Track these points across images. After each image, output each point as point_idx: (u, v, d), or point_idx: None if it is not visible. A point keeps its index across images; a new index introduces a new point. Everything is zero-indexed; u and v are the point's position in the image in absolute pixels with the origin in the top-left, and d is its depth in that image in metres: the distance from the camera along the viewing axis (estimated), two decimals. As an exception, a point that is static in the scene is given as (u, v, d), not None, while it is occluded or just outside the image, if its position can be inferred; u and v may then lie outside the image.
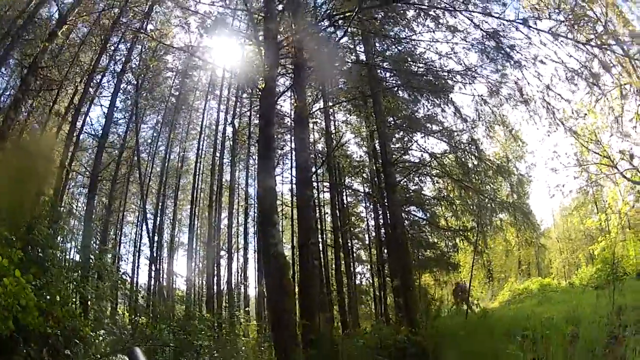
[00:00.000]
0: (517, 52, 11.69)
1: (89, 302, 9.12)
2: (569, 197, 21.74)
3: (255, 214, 17.29)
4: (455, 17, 11.73)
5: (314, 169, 13.95)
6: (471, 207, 14.90)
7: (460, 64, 12.43)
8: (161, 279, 18.56)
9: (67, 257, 9.94)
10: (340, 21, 11.33)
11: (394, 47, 14.10)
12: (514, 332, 8.27)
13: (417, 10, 12.15)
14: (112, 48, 16.43)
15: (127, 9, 14.92)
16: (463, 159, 14.40)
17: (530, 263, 30.03)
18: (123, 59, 16.72)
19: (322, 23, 11.65)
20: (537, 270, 29.02)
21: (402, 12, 12.53)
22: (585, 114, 15.23)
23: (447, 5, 11.34)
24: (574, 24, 11.55)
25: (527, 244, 20.75)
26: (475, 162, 14.42)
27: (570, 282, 21.29)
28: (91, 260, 9.05)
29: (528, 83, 12.34)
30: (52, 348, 5.38)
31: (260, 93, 8.71)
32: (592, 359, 5.14)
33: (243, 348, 10.25)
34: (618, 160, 17.70)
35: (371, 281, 18.67)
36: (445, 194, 15.58)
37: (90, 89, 16.04)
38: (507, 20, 11.21)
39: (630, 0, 14.17)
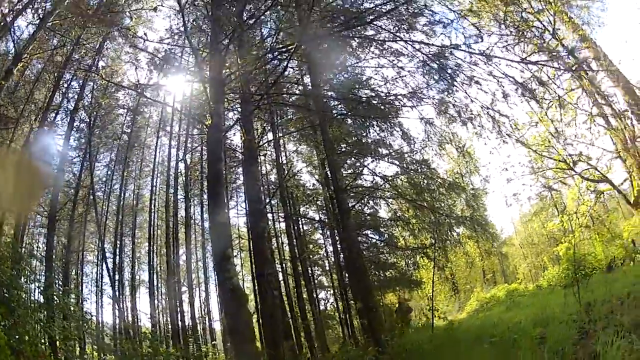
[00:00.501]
0: (461, 72, 12.00)
1: (57, 342, 8.87)
2: (526, 205, 22.26)
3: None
4: (398, 43, 12.01)
5: (267, 200, 13.97)
6: (428, 225, 15.09)
7: (407, 88, 12.73)
8: (125, 317, 18.16)
9: (32, 297, 9.75)
10: (285, 54, 11.41)
11: (340, 75, 14.33)
12: (481, 339, 8.38)
13: (362, 39, 12.37)
14: (65, 85, 16.30)
15: (79, 45, 14.80)
16: (415, 179, 14.64)
17: (495, 271, 30.59)
18: (76, 97, 16.56)
19: (268, 56, 11.69)
20: (503, 277, 29.56)
21: (346, 41, 12.70)
22: (537, 123, 15.71)
23: (390, 33, 11.60)
24: (520, 37, 11.94)
25: (487, 254, 21.18)
26: (427, 181, 14.66)
27: (538, 285, 21.67)
28: (55, 301, 8.87)
29: (472, 101, 12.63)
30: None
31: (207, 129, 8.69)
32: (563, 358, 5.17)
33: None
34: (574, 163, 18.26)
35: (336, 305, 18.68)
36: (401, 214, 15.80)
37: (45, 127, 15.82)
38: (444, 46, 11.51)
39: (579, 7, 14.84)
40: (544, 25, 13.53)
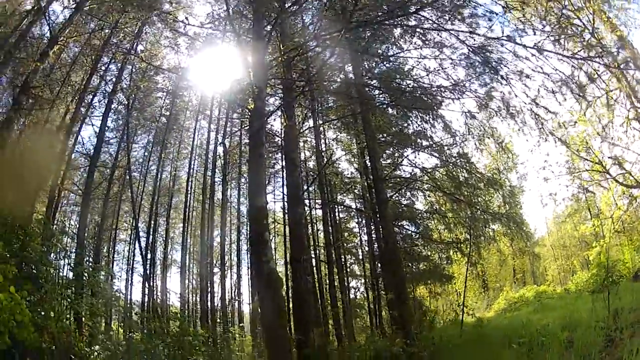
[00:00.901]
0: (504, 66, 11.84)
1: (82, 319, 9.13)
2: (561, 205, 21.93)
3: (247, 232, 17.31)
4: (441, 35, 11.91)
5: (305, 187, 14.04)
6: (463, 220, 14.98)
7: (449, 80, 12.60)
8: (155, 296, 18.53)
9: (61, 274, 10.00)
10: (328, 41, 11.41)
11: (382, 64, 14.27)
12: (510, 340, 8.36)
13: (404, 29, 12.28)
14: (103, 68, 16.56)
15: (118, 29, 14.97)
16: (454, 173, 14.51)
17: (525, 271, 30.23)
18: (114, 79, 16.83)
19: (310, 43, 11.71)
20: (533, 278, 29.22)
21: (389, 30, 12.63)
22: (575, 122, 15.43)
23: (434, 23, 11.48)
24: (561, 34, 11.73)
25: (520, 253, 20.93)
26: (466, 175, 14.53)
27: (566, 288, 21.39)
28: (84, 277, 9.06)
29: (515, 96, 12.45)
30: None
31: (249, 113, 8.77)
32: None
33: None
34: (610, 166, 17.91)
35: (366, 295, 18.72)
36: (437, 207, 15.70)
37: (82, 109, 16.20)
38: (490, 38, 11.35)
39: (617, 8, 14.47)
40: (583, 24, 13.27)
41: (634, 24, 14.49)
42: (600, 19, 14.15)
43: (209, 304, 17.78)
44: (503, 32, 11.47)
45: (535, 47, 11.20)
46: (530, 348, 7.20)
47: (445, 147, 14.27)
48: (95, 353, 6.98)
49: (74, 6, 12.61)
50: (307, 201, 16.30)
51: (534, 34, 11.51)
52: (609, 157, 17.57)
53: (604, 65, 12.31)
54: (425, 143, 14.25)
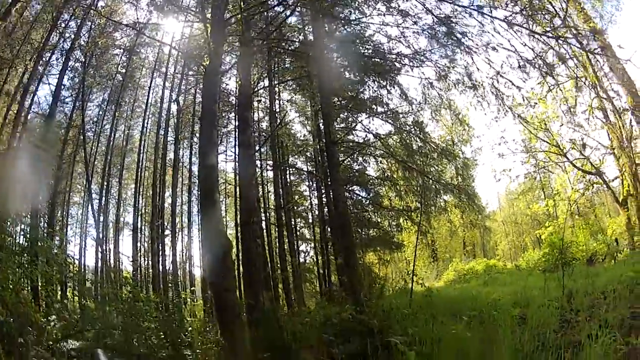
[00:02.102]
0: (469, 38, 11.85)
1: (39, 287, 8.88)
2: (515, 182, 22.47)
3: (198, 193, 17.13)
4: (407, 1, 11.83)
5: (257, 147, 13.89)
6: (415, 188, 15.16)
7: (409, 48, 12.56)
8: (108, 261, 18.23)
9: (16, 241, 9.67)
10: (289, 1, 11.18)
11: (342, 28, 14.11)
12: (460, 312, 8.48)
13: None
14: (63, 25, 15.91)
15: None
16: (408, 141, 14.61)
17: (476, 244, 31.01)
18: (72, 37, 16.24)
19: (272, 1, 11.48)
20: (483, 252, 30.01)
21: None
22: (536, 103, 15.69)
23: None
24: (531, 15, 11.77)
25: (471, 225, 21.40)
26: (420, 144, 14.65)
27: (516, 265, 21.99)
28: (39, 244, 8.80)
29: (478, 69, 12.53)
30: (5, 336, 5.18)
31: (204, 71, 8.57)
32: (544, 343, 5.13)
33: (190, 328, 10.18)
34: (568, 149, 18.38)
35: (315, 259, 18.79)
36: (389, 174, 15.82)
37: (40, 68, 15.57)
38: (460, 6, 11.32)
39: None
40: (555, 10, 13.38)
41: (609, 18, 14.78)
42: (574, 8, 14.30)
43: (160, 267, 17.56)
44: (473, 3, 11.55)
45: (506, 20, 11.21)
46: (481, 321, 7.27)
47: (401, 115, 14.32)
48: (52, 324, 6.77)
49: None
50: (258, 162, 16.19)
51: (504, 9, 11.56)
52: (568, 140, 18.05)
53: (577, 46, 12.45)
54: (380, 109, 14.24)
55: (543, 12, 12.20)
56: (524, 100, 13.35)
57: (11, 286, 5.83)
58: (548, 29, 11.87)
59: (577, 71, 14.98)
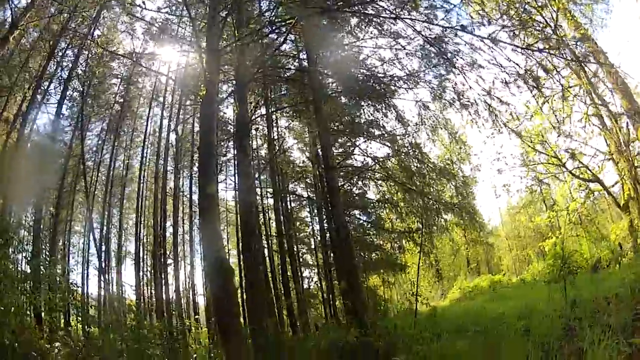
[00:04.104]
0: (460, 57, 11.91)
1: (42, 314, 8.93)
2: (516, 196, 22.37)
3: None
4: (397, 25, 11.92)
5: (257, 175, 13.92)
6: (415, 209, 15.13)
7: (403, 70, 12.65)
8: (110, 289, 18.16)
9: (18, 268, 9.67)
10: (283, 28, 11.30)
11: (337, 53, 14.22)
12: (465, 328, 8.44)
13: (361, 18, 12.26)
14: (60, 54, 16.16)
15: (76, 14, 14.60)
16: (406, 162, 14.62)
17: (480, 261, 30.82)
18: (70, 65, 16.46)
19: (265, 30, 11.59)
20: (487, 268, 29.82)
21: (345, 19, 12.58)
22: (532, 116, 15.71)
23: (391, 14, 11.46)
24: (521, 28, 11.85)
25: (474, 242, 21.31)
26: (418, 165, 14.65)
27: (521, 278, 21.85)
28: (41, 271, 8.82)
29: (470, 87, 12.55)
30: (9, 360, 5.21)
31: (201, 100, 8.63)
32: (548, 352, 5.13)
33: (195, 355, 10.18)
34: (566, 159, 18.34)
35: (319, 284, 18.72)
36: (389, 196, 15.81)
37: (38, 96, 15.70)
38: (444, 27, 11.38)
39: (583, 5, 14.73)
40: (545, 21, 13.47)
41: (600, 23, 14.86)
42: (563, 17, 14.40)
43: (163, 295, 17.50)
44: (461, 24, 11.61)
45: (490, 37, 11.23)
46: (485, 336, 7.25)
47: (398, 137, 14.37)
48: (56, 350, 6.77)
49: None
50: (258, 190, 16.22)
51: (492, 26, 11.60)
52: (565, 151, 18.01)
53: (561, 58, 12.49)
54: (377, 132, 14.29)
55: (532, 25, 12.31)
56: (513, 116, 13.31)
57: (15, 312, 5.82)
58: (539, 39, 11.94)
59: (570, 80, 15.07)
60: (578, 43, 13.26)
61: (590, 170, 17.58)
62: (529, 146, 18.41)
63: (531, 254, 27.98)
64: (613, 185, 17.68)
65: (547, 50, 11.57)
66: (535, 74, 12.34)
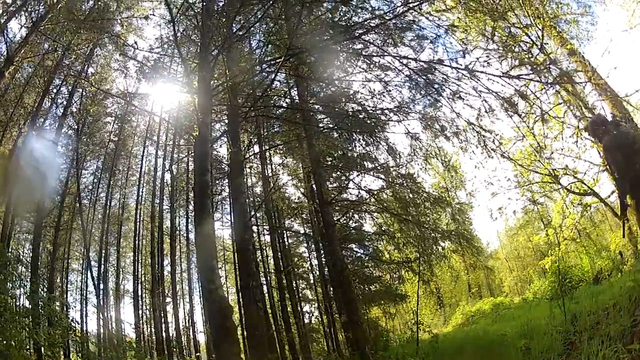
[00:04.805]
0: (447, 87, 12.05)
1: (42, 349, 8.91)
2: (512, 218, 22.36)
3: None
4: (385, 58, 12.06)
5: (252, 213, 13.95)
6: (412, 239, 15.12)
7: (393, 101, 12.77)
8: (110, 327, 18.04)
9: (17, 303, 9.65)
10: (273, 66, 11.45)
11: (327, 89, 14.37)
12: (466, 351, 8.43)
13: (350, 53, 12.43)
14: (55, 91, 16.34)
15: (70, 51, 14.82)
16: (400, 194, 14.67)
17: (481, 285, 30.72)
18: (64, 102, 16.68)
19: (256, 68, 11.74)
20: (489, 291, 29.70)
21: (334, 55, 12.74)
22: (523, 137, 15.81)
23: (378, 48, 11.65)
24: (506, 52, 12.02)
25: (473, 267, 21.28)
26: (412, 195, 14.69)
27: (524, 298, 21.73)
28: (41, 307, 8.81)
29: (458, 115, 12.65)
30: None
31: (194, 140, 8.71)
32: None
33: None
34: (561, 176, 18.40)
35: (320, 319, 18.62)
36: (386, 228, 15.83)
37: (33, 132, 15.79)
38: (424, 62, 11.56)
39: (568, 21, 14.93)
40: (532, 40, 13.66)
41: (586, 36, 15.06)
42: (549, 35, 14.61)
43: (163, 334, 17.39)
44: (447, 53, 11.80)
45: (467, 68, 11.40)
46: (486, 358, 7.26)
47: (391, 169, 14.42)
48: None
49: (30, 25, 12.45)
50: (255, 227, 16.19)
51: (477, 53, 11.74)
52: (560, 168, 18.08)
53: (538, 81, 12.62)
54: (370, 165, 14.38)
55: (517, 47, 12.47)
56: (501, 141, 13.38)
57: (16, 346, 5.84)
58: (525, 63, 12.09)
59: (560, 95, 15.20)
60: (557, 64, 13.38)
61: (585, 184, 17.63)
62: (522, 167, 18.50)
63: (532, 273, 27.90)
64: (609, 196, 17.69)
65: (522, 77, 11.72)
66: (514, 101, 12.45)
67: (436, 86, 12.16)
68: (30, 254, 16.23)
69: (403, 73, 12.37)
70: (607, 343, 4.63)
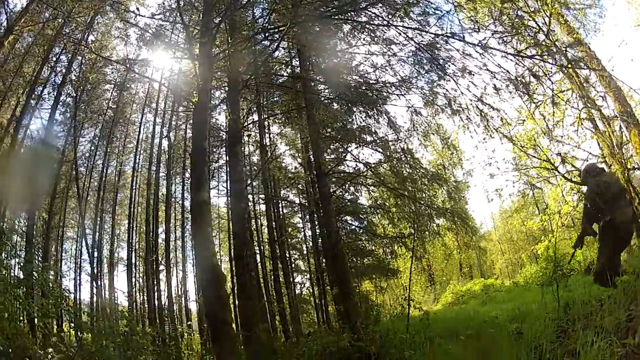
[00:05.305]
0: (452, 64, 11.95)
1: (35, 320, 8.85)
2: (508, 201, 22.48)
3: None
4: (390, 32, 11.94)
5: (249, 181, 13.92)
6: (407, 214, 15.16)
7: (396, 76, 12.67)
8: (103, 295, 18.13)
9: (11, 273, 9.66)
10: (276, 35, 11.33)
11: (329, 60, 14.24)
12: (457, 332, 8.48)
13: (353, 25, 12.29)
14: (54, 59, 16.18)
15: (71, 19, 14.65)
16: (398, 168, 14.65)
17: (472, 265, 30.94)
18: (63, 71, 16.48)
19: (258, 37, 11.60)
20: (480, 272, 29.92)
21: (338, 26, 12.60)
22: (524, 121, 15.79)
23: (384, 20, 11.49)
24: (514, 34, 11.92)
25: (466, 247, 21.39)
26: (410, 171, 14.69)
27: (514, 281, 21.92)
28: (34, 277, 8.83)
29: (461, 93, 12.56)
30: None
31: (194, 107, 8.66)
32: (542, 354, 5.07)
33: None
34: (559, 163, 18.44)
35: (311, 290, 18.74)
36: (381, 202, 15.86)
37: (32, 101, 15.73)
38: (435, 34, 11.44)
39: (576, 9, 14.82)
40: (538, 26, 13.54)
41: (593, 27, 14.97)
42: (556, 22, 14.49)
43: (156, 302, 17.49)
44: (454, 30, 11.65)
45: (480, 44, 11.26)
46: (477, 340, 7.30)
47: (390, 143, 14.35)
48: (49, 356, 6.77)
49: None
50: (250, 196, 16.22)
51: (484, 33, 11.63)
52: (557, 154, 18.09)
53: (551, 63, 12.54)
54: (369, 138, 14.32)
55: (524, 30, 12.36)
56: (503, 121, 13.33)
57: (9, 318, 5.85)
58: (531, 45, 11.98)
59: (563, 84, 15.14)
60: (567, 49, 13.32)
61: (583, 173, 17.61)
62: (522, 150, 18.48)
63: (524, 257, 28.12)
64: (607, 188, 17.71)
65: (537, 57, 11.63)
66: (526, 80, 12.39)
67: (441, 61, 12.06)
68: (25, 223, 16.21)
69: (407, 48, 12.29)
70: (602, 335, 4.60)
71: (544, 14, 13.57)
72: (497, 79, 11.73)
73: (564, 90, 15.26)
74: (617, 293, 5.79)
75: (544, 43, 12.11)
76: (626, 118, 14.80)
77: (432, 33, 11.34)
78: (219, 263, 16.88)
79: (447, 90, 12.65)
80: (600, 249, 6.78)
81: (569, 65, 13.26)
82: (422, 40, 11.58)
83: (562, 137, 16.81)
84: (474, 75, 11.82)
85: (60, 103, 16.90)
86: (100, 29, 16.71)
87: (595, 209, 6.50)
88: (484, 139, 13.72)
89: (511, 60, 11.57)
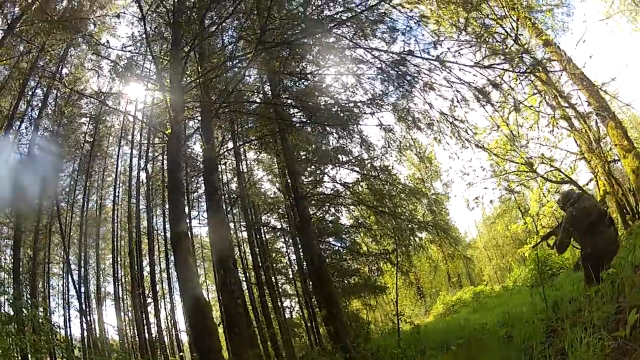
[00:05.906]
0: (420, 79, 12.09)
1: (28, 355, 8.78)
2: (489, 207, 22.62)
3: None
4: (357, 51, 12.10)
5: (228, 209, 13.93)
6: (389, 231, 15.24)
7: (367, 94, 12.82)
8: (93, 330, 17.93)
9: (1, 310, 9.60)
10: (245, 61, 11.42)
11: (299, 83, 14.37)
12: (448, 342, 8.52)
13: (322, 47, 12.43)
14: (30, 93, 16.18)
15: (44, 52, 14.70)
16: (375, 186, 14.75)
17: (461, 274, 31.03)
18: (40, 105, 16.50)
19: (229, 63, 11.70)
20: (469, 280, 30.01)
21: (306, 48, 12.73)
22: (497, 127, 15.98)
23: (350, 41, 11.66)
24: (479, 43, 12.11)
25: (451, 257, 21.49)
26: (388, 187, 14.80)
27: (504, 286, 22.00)
28: (24, 313, 8.77)
29: (430, 107, 12.73)
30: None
31: (167, 138, 8.70)
32: (532, 355, 5.15)
33: None
34: (537, 165, 18.66)
35: (301, 313, 18.67)
36: (362, 221, 15.93)
37: (10, 136, 15.61)
38: (396, 53, 11.61)
39: (544, 11, 15.07)
40: (506, 32, 13.78)
41: (561, 26, 15.23)
42: (524, 26, 14.75)
43: (146, 335, 17.31)
44: (418, 45, 11.80)
45: (437, 59, 11.44)
46: (468, 348, 7.35)
47: (366, 161, 14.48)
48: None
49: (5, 27, 12.42)
50: (231, 224, 16.20)
51: (449, 44, 11.79)
52: (535, 157, 18.30)
53: (512, 70, 12.71)
54: (345, 159, 14.43)
55: (491, 38, 12.57)
56: (475, 131, 13.48)
57: (3, 353, 5.85)
58: (499, 53, 12.16)
59: (535, 86, 15.35)
60: (530, 54, 13.53)
61: (562, 172, 17.88)
62: (498, 157, 18.68)
63: (511, 261, 28.30)
64: (587, 184, 17.96)
65: (495, 66, 11.80)
66: (487, 90, 12.55)
67: (408, 78, 12.19)
68: (12, 260, 16.06)
69: (375, 66, 12.43)
70: (591, 330, 4.61)
71: (512, 19, 13.84)
72: (459, 92, 11.85)
73: (536, 93, 15.50)
74: (604, 287, 5.81)
75: (505, 50, 12.31)
76: (601, 112, 15.02)
77: (393, 52, 11.54)
78: (206, 292, 16.87)
79: (416, 105, 12.82)
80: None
81: (537, 68, 13.46)
82: (388, 58, 11.77)
83: (537, 139, 17.07)
84: (435, 90, 11.97)
85: (39, 137, 16.82)
86: (73, 62, 16.80)
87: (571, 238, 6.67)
88: (458, 150, 13.84)
89: (470, 72, 11.73)
